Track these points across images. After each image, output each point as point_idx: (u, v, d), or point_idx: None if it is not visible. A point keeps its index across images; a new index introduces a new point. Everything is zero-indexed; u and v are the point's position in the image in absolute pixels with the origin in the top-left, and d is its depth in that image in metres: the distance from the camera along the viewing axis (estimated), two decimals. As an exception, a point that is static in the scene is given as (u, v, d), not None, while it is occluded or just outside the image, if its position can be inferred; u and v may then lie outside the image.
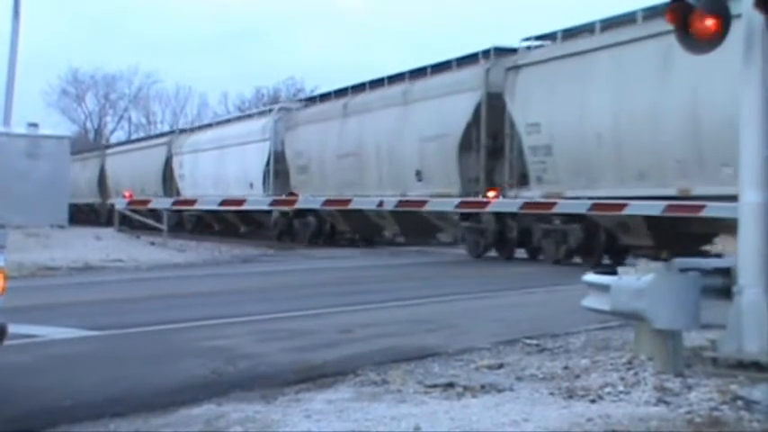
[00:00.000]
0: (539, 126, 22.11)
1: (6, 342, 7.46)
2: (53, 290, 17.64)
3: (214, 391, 7.80)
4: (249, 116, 41.66)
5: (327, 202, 27.41)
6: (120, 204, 34.82)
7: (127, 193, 40.08)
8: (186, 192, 41.59)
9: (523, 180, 23.07)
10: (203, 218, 41.52)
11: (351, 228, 31.97)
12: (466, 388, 7.67)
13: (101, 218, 48.02)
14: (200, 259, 26.39)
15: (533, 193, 22.33)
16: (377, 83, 30.30)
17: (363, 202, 27.03)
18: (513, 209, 22.80)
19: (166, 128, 74.91)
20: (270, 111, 38.00)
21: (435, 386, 7.76)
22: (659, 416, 6.66)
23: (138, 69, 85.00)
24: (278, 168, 34.79)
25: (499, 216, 23.81)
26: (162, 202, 33.41)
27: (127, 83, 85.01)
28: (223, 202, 30.94)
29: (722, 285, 8.47)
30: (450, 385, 7.77)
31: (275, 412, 7.00)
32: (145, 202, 33.88)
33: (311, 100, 36.20)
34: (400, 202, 25.45)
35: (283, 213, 34.09)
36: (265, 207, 31.89)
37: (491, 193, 23.76)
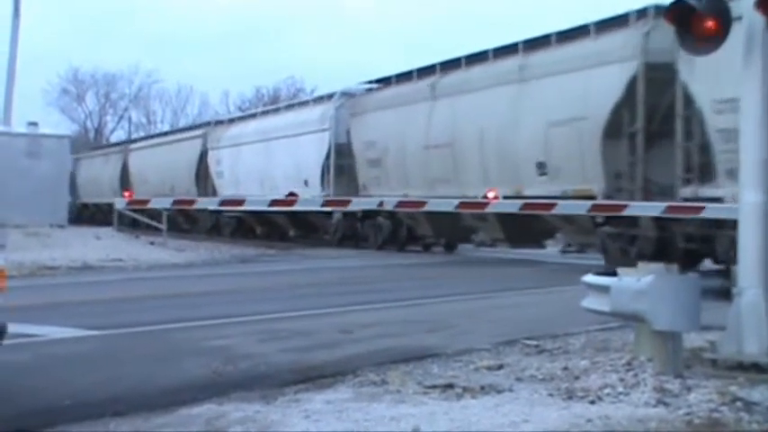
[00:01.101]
0: (737, 103, 17.31)
1: (6, 341, 7.48)
2: (53, 289, 17.65)
3: (214, 391, 7.80)
4: (303, 103, 36.73)
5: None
6: (119, 204, 34.27)
7: (126, 193, 39.71)
8: (225, 191, 37.30)
9: (706, 174, 17.72)
10: (245, 221, 37.10)
11: (434, 231, 27.64)
12: (465, 389, 7.67)
13: (123, 219, 38.94)
14: (199, 259, 26.38)
15: (724, 192, 16.87)
16: (477, 57, 25.23)
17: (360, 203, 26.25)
18: (514, 210, 21.15)
19: (167, 127, 74.53)
20: (330, 97, 32.79)
21: (434, 387, 7.76)
22: (659, 417, 6.66)
23: (138, 69, 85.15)
24: (340, 163, 30.45)
25: (660, 219, 18.57)
26: (161, 202, 33.20)
27: (127, 82, 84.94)
28: (222, 203, 30.91)
29: None
30: (450, 386, 7.77)
31: (275, 412, 7.01)
32: (144, 202, 33.86)
33: (384, 81, 30.16)
34: (400, 202, 24.95)
35: (346, 214, 29.95)
36: (265, 207, 29.71)
37: (491, 194, 22.50)
